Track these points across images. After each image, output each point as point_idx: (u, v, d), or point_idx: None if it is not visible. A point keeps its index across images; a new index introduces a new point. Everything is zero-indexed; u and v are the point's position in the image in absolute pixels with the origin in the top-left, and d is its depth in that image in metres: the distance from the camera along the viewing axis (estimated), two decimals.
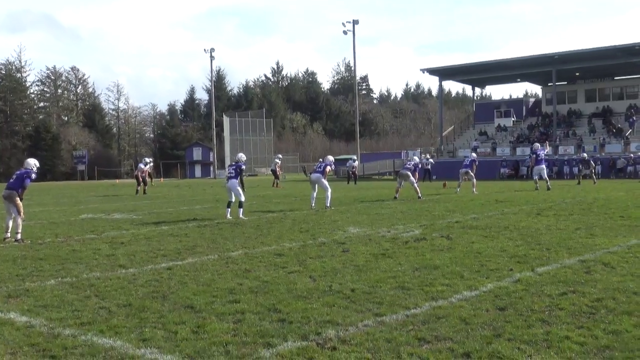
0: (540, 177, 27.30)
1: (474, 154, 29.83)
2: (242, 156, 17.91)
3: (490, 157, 51.45)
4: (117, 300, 6.98)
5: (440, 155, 56.82)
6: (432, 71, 59.39)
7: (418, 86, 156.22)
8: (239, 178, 16.63)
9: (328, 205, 18.76)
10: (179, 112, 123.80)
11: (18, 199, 12.44)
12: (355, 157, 51.20)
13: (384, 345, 5.18)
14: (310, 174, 20.09)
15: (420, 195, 22.48)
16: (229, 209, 16.77)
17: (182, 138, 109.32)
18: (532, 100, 66.28)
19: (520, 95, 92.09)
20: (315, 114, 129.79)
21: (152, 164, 37.87)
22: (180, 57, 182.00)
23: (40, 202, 26.15)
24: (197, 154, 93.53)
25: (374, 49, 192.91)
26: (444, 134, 62.99)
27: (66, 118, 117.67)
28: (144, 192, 31.50)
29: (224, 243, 11.66)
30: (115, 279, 8.29)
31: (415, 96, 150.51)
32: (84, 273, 8.74)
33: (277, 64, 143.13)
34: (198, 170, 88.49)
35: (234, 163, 17.34)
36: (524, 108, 62.62)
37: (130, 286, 7.75)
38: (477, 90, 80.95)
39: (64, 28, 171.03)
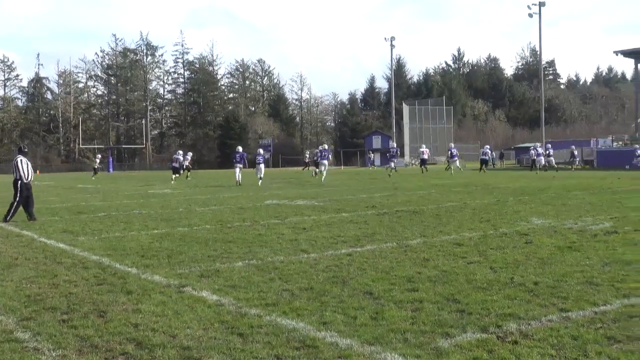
0: None
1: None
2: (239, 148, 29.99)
3: None
4: (300, 284, 7.22)
5: (635, 143, 52.90)
6: (627, 53, 55.54)
7: (610, 70, 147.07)
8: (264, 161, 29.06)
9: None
10: (359, 100, 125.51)
11: (263, 165, 27.03)
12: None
13: (569, 342, 4.93)
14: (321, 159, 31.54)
15: None
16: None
17: (362, 126, 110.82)
18: None
19: None
20: (498, 100, 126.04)
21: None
22: (356, 47, 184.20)
23: (228, 189, 27.72)
24: (376, 142, 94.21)
25: (561, 30, 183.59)
26: (639, 120, 58.60)
27: (253, 108, 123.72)
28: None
29: (402, 231, 11.68)
30: (297, 263, 8.58)
31: (607, 80, 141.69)
32: (269, 256, 9.13)
33: (458, 50, 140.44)
34: (377, 159, 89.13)
35: (241, 152, 29.67)
36: None
37: (312, 270, 7.99)
38: None
39: (241, 21, 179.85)
